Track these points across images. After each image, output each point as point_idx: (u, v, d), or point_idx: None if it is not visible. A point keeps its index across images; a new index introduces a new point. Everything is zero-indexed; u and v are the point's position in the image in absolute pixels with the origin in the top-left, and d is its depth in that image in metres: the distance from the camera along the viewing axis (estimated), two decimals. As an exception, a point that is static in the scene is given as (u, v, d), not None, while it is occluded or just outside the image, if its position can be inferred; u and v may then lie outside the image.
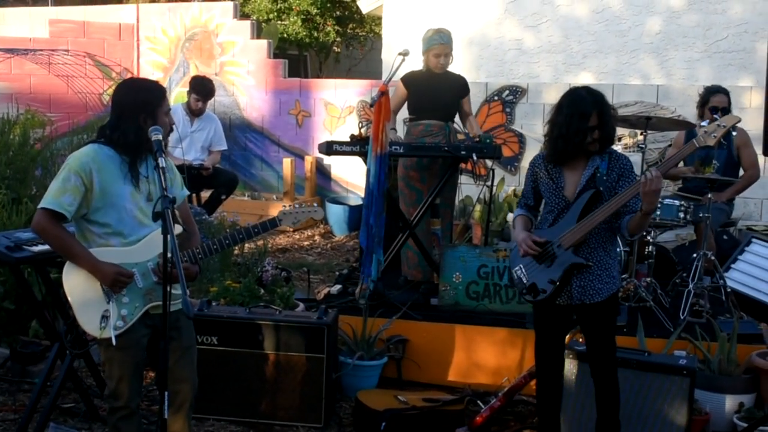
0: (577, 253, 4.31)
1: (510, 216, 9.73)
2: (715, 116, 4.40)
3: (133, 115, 3.84)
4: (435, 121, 6.93)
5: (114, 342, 3.77)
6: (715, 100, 7.02)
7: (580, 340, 5.09)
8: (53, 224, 3.77)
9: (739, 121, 4.47)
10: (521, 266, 4.50)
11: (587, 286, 4.34)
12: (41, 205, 3.78)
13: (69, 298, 3.84)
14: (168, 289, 3.57)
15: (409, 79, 7.02)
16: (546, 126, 4.46)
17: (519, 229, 4.54)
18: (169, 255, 3.51)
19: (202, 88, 8.96)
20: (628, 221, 4.24)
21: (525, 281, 4.46)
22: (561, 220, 4.36)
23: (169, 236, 3.49)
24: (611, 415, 4.50)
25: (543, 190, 4.47)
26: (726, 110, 6.94)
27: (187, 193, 4.30)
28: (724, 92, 7.09)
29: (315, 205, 4.46)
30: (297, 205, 4.42)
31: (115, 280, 3.78)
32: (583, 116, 4.22)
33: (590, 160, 4.34)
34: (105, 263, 3.78)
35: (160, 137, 3.75)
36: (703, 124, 4.41)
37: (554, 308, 4.44)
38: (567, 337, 5.07)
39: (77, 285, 3.82)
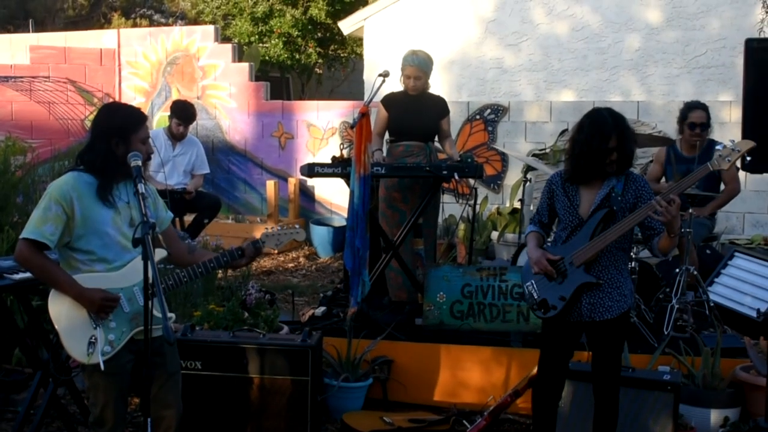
0: (588, 271, 4.33)
1: (494, 234, 9.77)
2: (731, 140, 4.40)
3: (106, 138, 3.84)
4: (415, 142, 6.95)
5: (102, 367, 3.75)
6: (693, 116, 7.05)
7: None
8: (36, 254, 3.76)
9: (755, 146, 4.48)
10: (533, 282, 4.51)
11: (597, 303, 4.35)
12: (23, 235, 3.76)
13: (55, 325, 3.81)
14: (150, 315, 3.55)
15: (388, 101, 7.05)
16: (567, 143, 4.49)
17: (532, 246, 4.56)
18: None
19: (183, 112, 8.95)
20: (657, 242, 4.28)
21: (536, 297, 4.48)
22: (574, 238, 4.39)
23: (149, 262, 3.49)
24: None
25: (558, 208, 4.49)
26: (705, 126, 6.98)
27: (172, 215, 4.29)
28: (703, 107, 7.12)
29: (297, 226, 4.45)
30: (279, 227, 4.42)
31: (101, 306, 3.76)
32: (604, 137, 4.26)
33: (607, 180, 4.37)
34: (90, 289, 3.77)
35: (140, 163, 3.75)
36: (718, 147, 4.44)
37: (564, 325, 4.45)
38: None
39: (63, 311, 3.80)
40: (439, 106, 7.13)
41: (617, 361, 4.48)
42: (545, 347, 4.59)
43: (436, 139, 7.19)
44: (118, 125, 3.87)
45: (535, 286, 4.49)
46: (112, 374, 3.83)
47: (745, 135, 4.50)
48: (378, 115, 7.08)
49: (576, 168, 4.38)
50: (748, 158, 4.67)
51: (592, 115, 4.39)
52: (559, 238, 4.50)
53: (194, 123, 9.45)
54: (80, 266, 3.83)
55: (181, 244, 4.30)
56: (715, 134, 8.45)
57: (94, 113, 9.54)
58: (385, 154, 7.25)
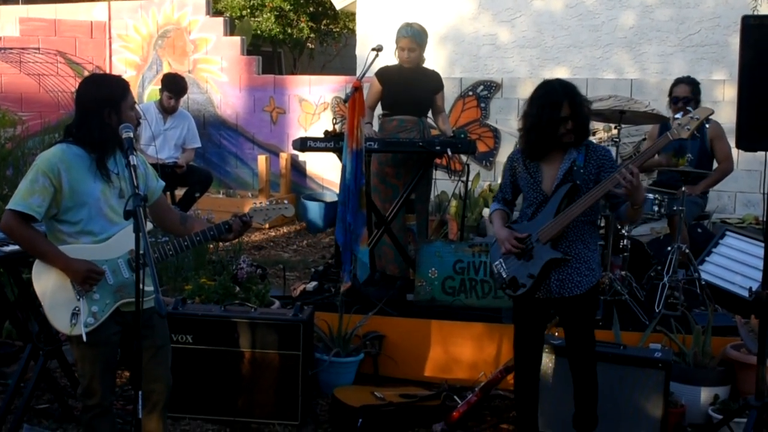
0: (555, 246, 4.32)
1: (486, 211, 9.75)
2: (685, 112, 4.40)
3: (97, 111, 3.81)
4: (409, 117, 6.93)
5: (85, 338, 3.74)
6: (676, 90, 7.03)
7: (556, 333, 5.11)
8: (22, 225, 3.74)
9: (712, 112, 4.49)
10: (501, 261, 4.50)
11: (566, 279, 4.34)
12: (9, 206, 3.74)
13: (39, 296, 3.82)
14: (141, 287, 3.53)
15: (383, 75, 7.02)
16: (520, 120, 4.46)
17: (498, 224, 4.54)
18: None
19: (174, 85, 8.90)
20: (626, 210, 4.27)
21: (505, 275, 4.47)
22: (539, 214, 4.37)
23: (141, 234, 3.47)
24: (589, 409, 4.52)
25: (521, 185, 4.47)
26: (687, 100, 6.93)
27: (163, 184, 4.26)
28: (688, 82, 7.07)
29: (285, 201, 4.42)
30: (268, 202, 4.39)
31: (87, 277, 3.75)
32: (555, 106, 4.22)
33: (567, 153, 4.34)
34: (77, 260, 3.75)
35: (131, 135, 3.72)
36: (677, 116, 4.43)
37: (534, 302, 4.45)
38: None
39: (47, 283, 3.80)
40: (434, 81, 7.11)
41: (590, 335, 4.49)
42: (518, 325, 4.60)
43: (430, 114, 7.17)
44: (107, 95, 3.83)
45: (503, 265, 4.48)
46: (98, 345, 3.83)
47: (741, 113, 4.48)
48: (371, 88, 7.05)
49: (530, 143, 4.35)
50: (707, 125, 4.61)
51: (542, 87, 4.36)
52: (525, 215, 4.48)
53: (185, 97, 9.40)
54: (66, 238, 3.82)
55: (173, 213, 4.29)
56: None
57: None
58: (376, 128, 7.23)
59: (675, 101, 6.98)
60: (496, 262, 4.54)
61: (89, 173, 3.80)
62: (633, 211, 4.24)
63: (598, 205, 4.36)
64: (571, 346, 4.54)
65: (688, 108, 4.57)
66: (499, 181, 10.25)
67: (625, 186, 4.06)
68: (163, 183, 4.25)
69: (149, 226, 3.95)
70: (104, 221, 3.84)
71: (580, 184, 4.28)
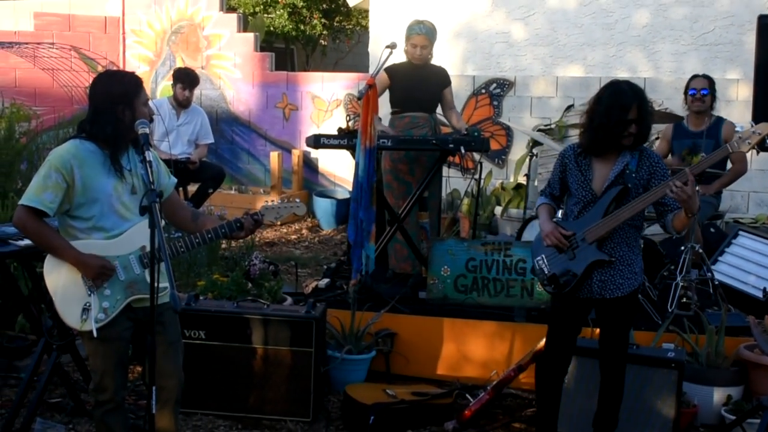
0: (600, 248, 4.31)
1: (498, 209, 9.75)
2: (750, 122, 4.38)
3: (111, 107, 3.81)
4: (420, 113, 6.93)
5: (95, 334, 3.76)
6: (693, 83, 7.01)
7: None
8: (34, 220, 3.75)
9: None
10: (543, 256, 4.49)
11: (608, 280, 4.34)
12: (22, 201, 3.76)
13: (50, 291, 3.83)
14: (156, 284, 3.55)
15: (392, 71, 7.02)
16: (583, 116, 4.45)
17: (544, 218, 4.53)
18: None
19: (186, 77, 8.92)
20: (672, 219, 4.25)
21: (546, 271, 4.46)
22: (587, 214, 4.37)
23: (156, 229, 3.48)
24: (612, 411, 4.52)
25: (571, 182, 4.46)
26: (705, 91, 6.93)
27: (175, 181, 4.27)
28: (705, 77, 7.07)
29: (297, 200, 4.42)
30: (279, 200, 4.39)
31: (98, 273, 3.77)
32: (624, 108, 4.22)
33: (621, 155, 4.34)
34: (89, 255, 3.77)
35: (147, 131, 3.73)
36: (738, 129, 4.42)
37: (573, 301, 4.44)
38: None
39: (58, 278, 3.82)
40: (441, 76, 7.12)
41: (625, 339, 4.49)
42: (554, 323, 4.58)
43: (439, 110, 7.16)
44: (120, 92, 3.84)
45: (545, 260, 4.47)
46: (110, 341, 3.85)
47: (757, 111, 4.49)
48: (378, 81, 7.04)
49: (593, 140, 4.34)
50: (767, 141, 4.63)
51: (612, 87, 4.34)
52: (571, 212, 4.47)
53: (198, 93, 9.41)
54: (78, 234, 3.83)
55: (185, 210, 4.29)
56: (722, 112, 8.40)
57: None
58: (387, 124, 7.23)
59: (692, 93, 6.95)
60: (538, 258, 4.52)
61: (102, 169, 3.82)
62: (683, 220, 4.20)
63: (643, 210, 4.35)
64: (605, 347, 4.53)
65: (750, 122, 4.54)
66: (511, 179, 10.30)
67: (678, 192, 4.04)
68: (174, 180, 4.25)
69: (162, 221, 3.96)
70: (116, 217, 3.85)
71: (630, 188, 4.27)
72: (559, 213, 4.73)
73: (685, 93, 7.10)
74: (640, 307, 6.00)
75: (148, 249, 3.59)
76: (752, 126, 4.33)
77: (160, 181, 4.03)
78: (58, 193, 3.72)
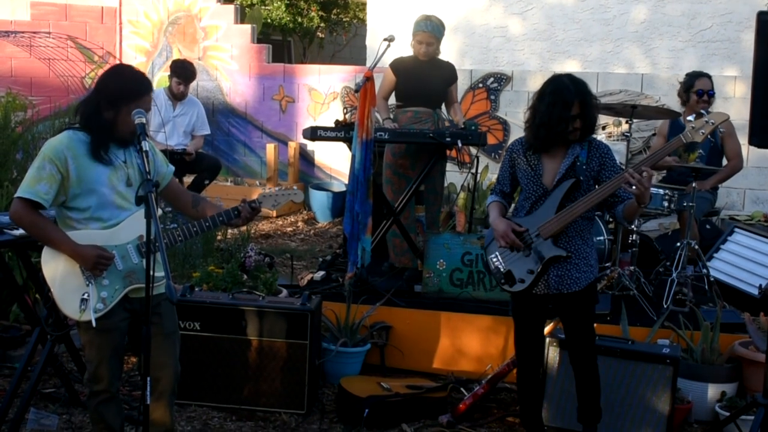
0: (555, 243, 4.30)
1: (493, 204, 9.73)
2: (698, 115, 4.39)
3: (110, 104, 3.80)
4: (424, 108, 6.91)
5: (94, 324, 3.75)
6: (700, 84, 7.00)
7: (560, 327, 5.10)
8: (29, 212, 3.74)
9: (727, 118, 4.49)
10: (497, 254, 4.48)
11: (565, 275, 4.34)
12: (17, 194, 3.75)
13: (48, 282, 3.81)
14: (152, 273, 3.53)
15: (397, 66, 6.99)
16: (527, 112, 4.44)
17: (495, 216, 4.51)
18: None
19: (183, 71, 8.90)
20: (624, 210, 4.25)
21: (501, 269, 4.45)
22: (539, 209, 4.35)
23: (152, 220, 3.47)
24: (592, 403, 4.53)
25: (521, 177, 4.44)
26: (711, 93, 6.95)
27: (173, 169, 4.26)
28: (708, 76, 7.08)
29: (294, 188, 4.42)
30: (277, 188, 4.38)
31: (96, 263, 3.75)
32: (566, 105, 4.21)
33: (570, 148, 4.32)
34: (86, 246, 3.76)
35: (143, 120, 3.71)
36: (690, 118, 4.43)
37: (532, 297, 4.44)
38: (551, 325, 5.08)
39: (56, 268, 3.80)
40: (448, 72, 7.08)
41: (590, 329, 4.49)
42: (518, 320, 4.60)
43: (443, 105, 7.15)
44: (126, 90, 3.81)
45: (500, 258, 4.46)
46: (106, 331, 3.84)
47: (755, 110, 4.46)
48: (385, 79, 7.03)
49: (537, 137, 4.32)
50: (721, 130, 4.60)
51: (553, 83, 4.32)
52: (522, 207, 4.45)
53: (195, 84, 9.39)
54: (75, 225, 3.82)
55: (186, 196, 4.30)
56: (719, 109, 8.38)
57: (95, 71, 9.45)
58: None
59: (700, 94, 6.94)
60: (492, 255, 4.51)
61: (95, 159, 3.80)
62: (634, 210, 4.21)
63: (605, 202, 4.34)
64: (570, 340, 4.55)
65: (702, 111, 4.54)
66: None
67: (637, 186, 4.04)
68: (172, 168, 4.24)
69: (159, 212, 3.94)
70: (113, 207, 3.84)
71: (582, 180, 4.27)
72: (511, 209, 4.70)
73: (687, 91, 7.08)
74: (635, 303, 6.01)
75: (145, 238, 3.57)
76: (706, 115, 4.34)
77: (157, 169, 4.02)
78: (53, 185, 3.71)
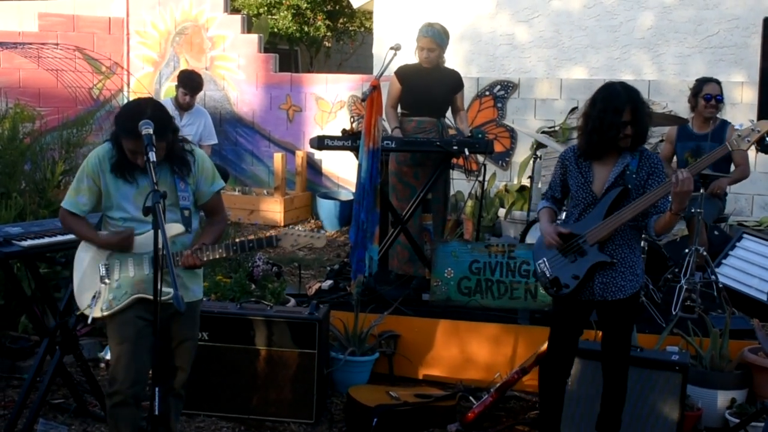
0: (602, 249, 4.30)
1: (501, 211, 9.74)
2: (750, 120, 4.36)
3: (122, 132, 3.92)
4: (427, 118, 6.89)
5: (90, 320, 3.95)
6: (708, 88, 6.98)
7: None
8: (70, 218, 4.06)
9: None
10: (545, 260, 4.48)
11: (610, 282, 4.33)
12: (62, 203, 4.08)
13: (74, 276, 4.11)
14: (159, 285, 3.60)
15: (402, 73, 6.99)
16: (579, 119, 4.44)
17: (544, 220, 4.53)
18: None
19: (190, 81, 8.90)
20: (656, 221, 4.24)
21: (548, 275, 4.45)
22: (587, 216, 4.36)
23: (160, 231, 3.55)
24: (615, 414, 4.51)
25: (571, 184, 4.44)
26: (720, 98, 6.93)
27: (220, 185, 4.36)
28: (717, 82, 7.06)
29: (321, 231, 4.41)
30: (302, 229, 4.36)
31: (119, 242, 3.97)
32: (617, 111, 4.20)
33: (621, 156, 4.32)
34: (108, 235, 4.01)
35: (151, 131, 3.73)
36: (737, 127, 4.40)
37: (575, 303, 4.43)
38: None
39: (82, 264, 4.07)
40: (454, 80, 7.07)
41: (627, 340, 4.47)
42: (556, 325, 4.57)
43: (449, 113, 7.14)
44: (125, 126, 3.89)
45: (547, 264, 4.46)
46: (121, 324, 3.98)
47: (762, 114, 4.46)
48: (391, 88, 7.03)
49: (589, 144, 4.33)
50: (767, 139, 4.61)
51: (606, 89, 4.32)
52: (572, 215, 4.46)
53: (202, 94, 9.39)
54: (112, 230, 4.06)
55: (209, 216, 4.40)
56: (727, 115, 8.38)
57: (102, 82, 9.46)
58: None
59: (708, 98, 6.92)
60: (540, 261, 4.51)
61: (121, 178, 3.97)
62: (667, 221, 4.19)
63: (646, 212, 4.32)
64: (607, 349, 4.51)
65: (750, 120, 4.52)
66: (515, 181, 10.29)
67: (680, 188, 4.03)
68: (217, 187, 4.34)
69: (180, 228, 4.04)
70: (138, 223, 3.98)
71: (631, 189, 4.26)
72: (562, 215, 4.72)
73: (695, 96, 7.06)
74: (644, 310, 6.00)
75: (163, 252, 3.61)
76: (752, 123, 4.32)
77: (198, 188, 4.18)
78: (90, 197, 4.01)
